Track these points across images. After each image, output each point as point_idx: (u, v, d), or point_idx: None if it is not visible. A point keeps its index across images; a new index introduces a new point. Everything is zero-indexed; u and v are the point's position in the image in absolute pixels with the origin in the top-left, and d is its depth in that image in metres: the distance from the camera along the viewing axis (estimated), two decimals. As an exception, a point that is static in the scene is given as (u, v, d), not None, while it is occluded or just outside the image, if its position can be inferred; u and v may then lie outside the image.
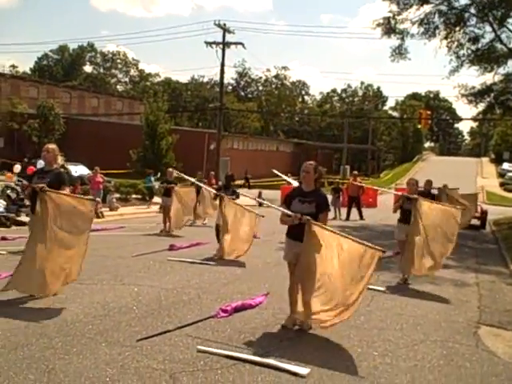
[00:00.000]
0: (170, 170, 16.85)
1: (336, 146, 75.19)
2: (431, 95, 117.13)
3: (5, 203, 16.17)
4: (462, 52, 24.14)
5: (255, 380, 4.85)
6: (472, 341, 6.51)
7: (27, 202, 11.63)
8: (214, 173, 27.32)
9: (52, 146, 7.81)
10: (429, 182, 13.15)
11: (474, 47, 24.03)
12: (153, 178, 25.02)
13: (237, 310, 7.05)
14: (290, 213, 6.33)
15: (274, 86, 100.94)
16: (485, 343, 6.45)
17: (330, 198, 22.72)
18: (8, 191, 17.63)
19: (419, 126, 64.94)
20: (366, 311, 7.55)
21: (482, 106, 26.54)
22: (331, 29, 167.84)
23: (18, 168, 20.85)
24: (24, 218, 15.00)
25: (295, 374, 5.01)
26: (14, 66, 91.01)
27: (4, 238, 12.68)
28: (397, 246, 10.66)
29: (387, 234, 10.17)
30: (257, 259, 11.28)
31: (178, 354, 5.36)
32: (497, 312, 8.14)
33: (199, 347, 5.53)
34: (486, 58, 23.90)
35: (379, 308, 7.81)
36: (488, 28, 23.26)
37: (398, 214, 10.33)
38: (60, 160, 7.82)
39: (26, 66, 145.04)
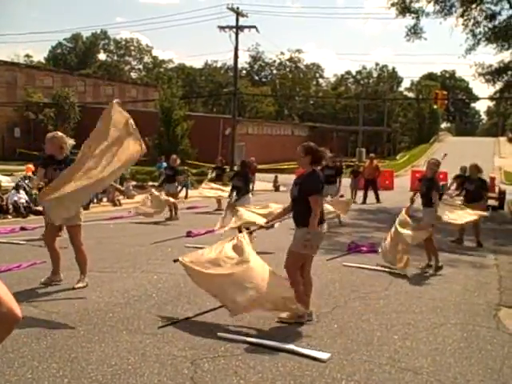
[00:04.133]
0: (174, 156, 16.94)
1: (351, 129, 74.84)
2: (447, 75, 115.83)
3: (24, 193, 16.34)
4: (478, 30, 23.87)
5: (276, 365, 4.87)
6: (492, 323, 6.47)
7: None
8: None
9: (57, 134, 7.66)
10: (475, 168, 12.71)
11: (490, 25, 23.72)
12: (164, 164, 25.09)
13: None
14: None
15: (288, 69, 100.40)
16: (505, 325, 6.41)
17: (349, 180, 22.96)
18: (26, 181, 17.79)
19: (435, 107, 64.27)
20: (385, 295, 7.54)
21: (499, 85, 26.29)
22: (347, 10, 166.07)
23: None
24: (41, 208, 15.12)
25: (315, 359, 5.02)
26: (28, 56, 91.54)
27: (23, 228, 12.81)
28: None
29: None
30: (271, 245, 11.28)
31: (198, 341, 5.40)
32: (517, 293, 8.08)
33: (219, 333, 5.57)
34: (503, 35, 23.55)
35: (398, 291, 7.79)
36: (506, 5, 22.92)
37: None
38: (67, 149, 7.61)
39: (40, 55, 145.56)
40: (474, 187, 12.48)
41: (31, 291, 7.07)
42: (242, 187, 11.92)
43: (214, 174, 19.61)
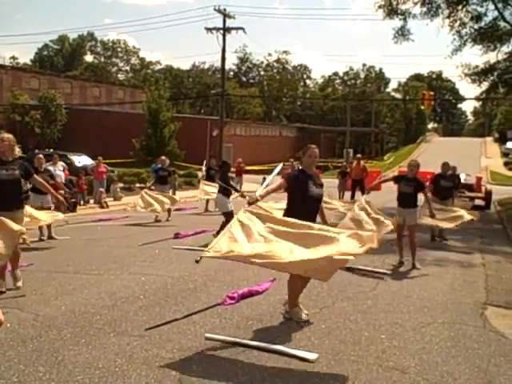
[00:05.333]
0: (163, 157, 16.98)
1: (339, 130, 75.00)
2: (434, 76, 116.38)
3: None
4: (464, 31, 23.97)
5: (264, 366, 4.87)
6: (479, 322, 6.51)
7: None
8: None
9: (7, 135, 7.45)
10: (445, 165, 13.10)
11: (476, 26, 23.84)
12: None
13: (244, 296, 7.07)
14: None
15: (275, 70, 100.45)
16: (492, 324, 6.46)
17: (336, 181, 22.99)
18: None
19: (422, 107, 64.59)
20: (373, 295, 7.56)
21: (485, 85, 26.36)
22: (334, 11, 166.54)
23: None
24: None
25: (304, 360, 5.03)
26: (14, 58, 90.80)
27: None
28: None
29: (391, 216, 10.29)
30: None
31: (186, 343, 5.38)
32: (503, 292, 8.14)
33: (207, 335, 5.55)
34: (489, 36, 23.70)
35: (386, 291, 7.82)
36: (491, 6, 23.06)
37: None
38: (17, 151, 7.45)
39: (26, 57, 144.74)
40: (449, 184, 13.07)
41: (17, 294, 7.01)
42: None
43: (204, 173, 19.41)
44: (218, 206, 11.88)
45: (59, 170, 18.67)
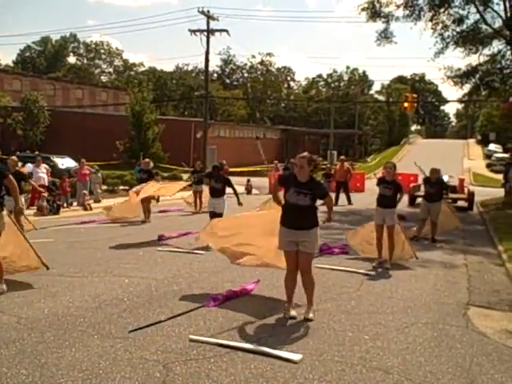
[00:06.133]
0: (147, 160, 17.09)
1: (323, 132, 75.17)
2: (417, 78, 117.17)
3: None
4: (446, 34, 24.24)
5: (248, 367, 4.87)
6: (462, 322, 6.57)
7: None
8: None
9: None
10: (435, 171, 13.29)
11: (458, 29, 24.11)
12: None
13: (228, 298, 7.07)
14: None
15: (259, 72, 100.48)
16: (474, 324, 6.52)
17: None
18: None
19: (406, 105, 64.88)
20: (357, 295, 7.60)
21: (467, 88, 26.63)
22: (318, 13, 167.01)
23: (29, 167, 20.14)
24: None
25: (288, 361, 5.04)
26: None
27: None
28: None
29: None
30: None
31: (170, 344, 5.37)
32: (486, 292, 8.22)
33: (191, 336, 5.55)
34: (470, 39, 23.97)
35: (369, 292, 7.86)
36: (472, 9, 23.30)
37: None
38: None
39: (8, 58, 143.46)
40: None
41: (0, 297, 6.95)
42: (221, 189, 12.11)
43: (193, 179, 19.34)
44: (216, 207, 11.82)
45: (42, 173, 18.60)
